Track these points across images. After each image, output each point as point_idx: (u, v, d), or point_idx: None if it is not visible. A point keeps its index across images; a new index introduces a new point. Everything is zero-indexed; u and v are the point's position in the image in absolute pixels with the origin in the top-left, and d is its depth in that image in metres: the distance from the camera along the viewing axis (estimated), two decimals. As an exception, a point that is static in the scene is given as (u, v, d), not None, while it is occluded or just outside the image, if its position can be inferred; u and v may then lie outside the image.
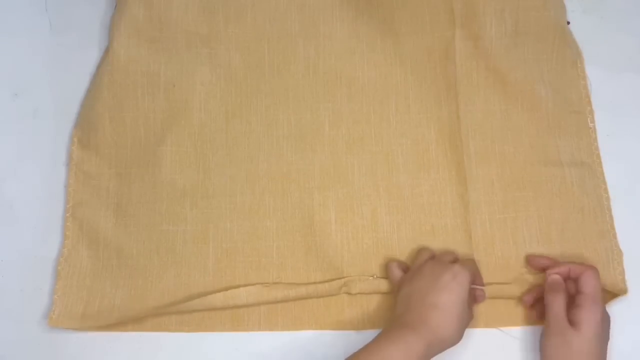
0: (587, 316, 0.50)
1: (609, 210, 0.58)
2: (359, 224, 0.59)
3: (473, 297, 0.54)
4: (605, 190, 0.59)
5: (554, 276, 0.53)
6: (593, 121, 0.61)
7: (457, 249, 0.57)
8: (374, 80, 0.62)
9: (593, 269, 0.52)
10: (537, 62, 0.62)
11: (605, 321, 0.51)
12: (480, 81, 0.62)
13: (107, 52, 0.62)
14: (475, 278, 0.54)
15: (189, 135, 0.61)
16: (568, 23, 0.63)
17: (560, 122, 0.61)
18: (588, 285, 0.51)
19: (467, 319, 0.51)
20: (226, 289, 0.56)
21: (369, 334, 0.54)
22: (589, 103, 0.61)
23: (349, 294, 0.57)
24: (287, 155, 0.60)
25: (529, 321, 0.56)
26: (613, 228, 0.58)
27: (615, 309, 0.55)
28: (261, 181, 0.60)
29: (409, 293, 0.51)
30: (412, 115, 0.61)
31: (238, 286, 0.56)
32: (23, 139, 0.62)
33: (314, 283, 0.57)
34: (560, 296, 0.52)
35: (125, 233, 0.58)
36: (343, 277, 0.57)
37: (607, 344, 0.51)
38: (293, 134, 0.61)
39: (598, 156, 0.60)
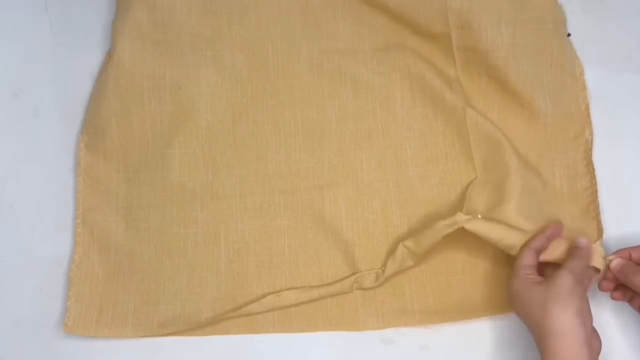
0: None
1: (599, 224, 0.58)
2: (369, 219, 0.59)
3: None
4: (597, 206, 0.59)
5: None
6: (591, 134, 0.61)
7: (467, 238, 0.56)
8: (378, 76, 0.62)
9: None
10: (536, 74, 0.61)
11: None
12: (481, 87, 0.62)
13: (110, 56, 0.62)
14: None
15: (196, 137, 0.61)
16: (569, 35, 0.63)
17: (557, 135, 0.60)
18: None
19: None
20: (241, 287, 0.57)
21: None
22: (588, 115, 0.61)
23: (362, 289, 0.57)
24: (295, 154, 0.61)
25: None
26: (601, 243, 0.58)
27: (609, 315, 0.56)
28: (270, 180, 0.60)
29: None
30: (418, 108, 0.61)
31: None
32: (23, 139, 0.62)
33: (326, 285, 0.57)
34: None
35: (136, 237, 0.58)
36: (354, 274, 0.57)
37: None
38: (300, 132, 0.61)
39: (593, 169, 0.60)
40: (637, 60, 0.64)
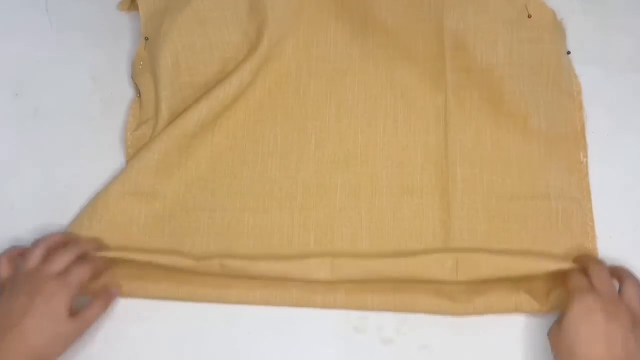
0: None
1: (595, 248, 0.58)
2: (337, 246, 0.58)
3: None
4: (592, 228, 0.58)
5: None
6: (586, 156, 0.60)
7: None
8: (363, 102, 0.62)
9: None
10: (532, 94, 0.61)
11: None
12: (472, 111, 0.61)
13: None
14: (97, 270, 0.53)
15: (178, 147, 0.60)
16: (568, 53, 0.63)
17: (552, 155, 0.60)
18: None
19: (65, 332, 0.50)
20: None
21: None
22: (584, 137, 0.61)
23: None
24: (270, 173, 0.60)
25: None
26: None
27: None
28: (243, 198, 0.59)
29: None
30: (400, 137, 0.61)
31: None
32: (23, 139, 0.62)
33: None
34: None
35: None
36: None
37: None
38: (278, 151, 0.60)
39: (588, 192, 0.59)
40: (637, 60, 0.64)
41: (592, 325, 0.47)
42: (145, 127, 0.61)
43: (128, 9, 0.65)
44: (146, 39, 0.62)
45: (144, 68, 0.62)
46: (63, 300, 0.50)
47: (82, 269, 0.52)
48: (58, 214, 0.60)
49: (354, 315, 0.57)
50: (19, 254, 0.53)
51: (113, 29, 0.65)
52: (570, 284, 0.51)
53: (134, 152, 0.61)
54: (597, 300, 0.48)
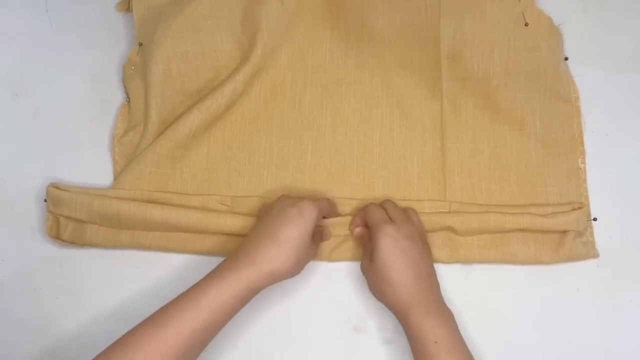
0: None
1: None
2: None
3: (319, 235, 0.57)
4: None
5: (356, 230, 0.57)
6: (584, 162, 0.60)
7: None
8: (359, 111, 0.62)
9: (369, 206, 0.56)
10: (529, 101, 0.61)
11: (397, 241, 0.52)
12: (468, 120, 0.61)
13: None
14: (328, 215, 0.57)
15: (172, 161, 0.60)
16: (566, 59, 0.63)
17: (549, 162, 0.60)
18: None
19: (308, 254, 0.53)
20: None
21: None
22: (582, 143, 0.61)
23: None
24: (266, 184, 0.60)
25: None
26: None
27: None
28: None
29: (255, 228, 0.53)
30: (396, 147, 0.61)
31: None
32: (23, 139, 0.62)
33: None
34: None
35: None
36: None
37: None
38: (274, 162, 0.61)
39: (586, 198, 0.59)
40: (637, 60, 0.64)
41: (400, 252, 0.51)
42: (133, 134, 0.61)
43: (126, 11, 0.65)
44: (140, 44, 0.62)
45: (135, 73, 0.62)
46: (313, 218, 0.52)
47: (321, 202, 0.55)
48: (58, 214, 0.60)
49: (354, 315, 0.57)
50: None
51: (113, 30, 0.65)
52: (370, 218, 0.54)
53: (120, 158, 0.61)
54: (397, 229, 0.52)
